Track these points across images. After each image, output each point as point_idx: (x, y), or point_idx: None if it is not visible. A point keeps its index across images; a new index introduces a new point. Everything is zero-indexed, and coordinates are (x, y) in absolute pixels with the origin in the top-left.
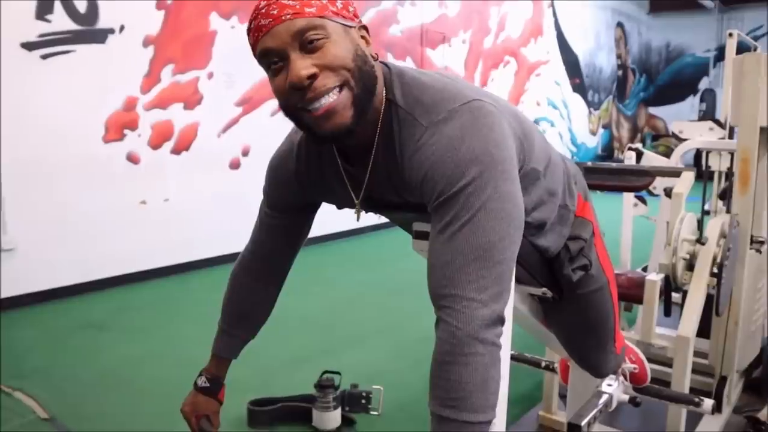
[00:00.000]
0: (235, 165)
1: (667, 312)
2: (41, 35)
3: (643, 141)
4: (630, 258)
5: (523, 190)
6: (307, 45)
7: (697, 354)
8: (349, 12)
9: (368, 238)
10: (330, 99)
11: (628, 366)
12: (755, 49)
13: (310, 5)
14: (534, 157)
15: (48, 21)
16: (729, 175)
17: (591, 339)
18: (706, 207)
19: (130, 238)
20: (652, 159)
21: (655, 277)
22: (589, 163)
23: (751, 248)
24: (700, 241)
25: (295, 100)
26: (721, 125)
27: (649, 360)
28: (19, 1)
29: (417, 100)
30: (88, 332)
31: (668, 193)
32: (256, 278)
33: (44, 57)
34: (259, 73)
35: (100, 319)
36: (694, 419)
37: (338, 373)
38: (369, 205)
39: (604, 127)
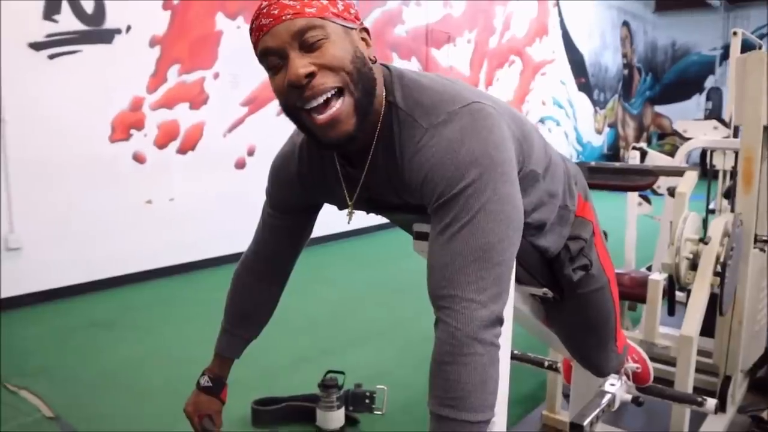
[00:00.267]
0: (240, 165)
1: (671, 311)
2: (48, 35)
3: (649, 140)
4: (634, 257)
5: (523, 192)
6: (307, 45)
7: (701, 353)
8: (350, 14)
9: (372, 238)
10: (329, 98)
11: (630, 365)
12: (760, 48)
13: (311, 6)
14: (533, 159)
15: (55, 21)
16: (733, 173)
17: (592, 338)
18: (712, 206)
19: (135, 238)
20: (656, 158)
21: (657, 277)
22: (593, 163)
23: (755, 247)
24: (703, 240)
25: (293, 98)
26: (726, 124)
27: (653, 359)
28: (26, 1)
29: (417, 102)
30: (93, 331)
31: (672, 192)
32: (259, 278)
33: (51, 57)
34: (265, 74)
35: (104, 318)
36: (698, 419)
37: (342, 372)
38: (370, 207)
39: (610, 126)
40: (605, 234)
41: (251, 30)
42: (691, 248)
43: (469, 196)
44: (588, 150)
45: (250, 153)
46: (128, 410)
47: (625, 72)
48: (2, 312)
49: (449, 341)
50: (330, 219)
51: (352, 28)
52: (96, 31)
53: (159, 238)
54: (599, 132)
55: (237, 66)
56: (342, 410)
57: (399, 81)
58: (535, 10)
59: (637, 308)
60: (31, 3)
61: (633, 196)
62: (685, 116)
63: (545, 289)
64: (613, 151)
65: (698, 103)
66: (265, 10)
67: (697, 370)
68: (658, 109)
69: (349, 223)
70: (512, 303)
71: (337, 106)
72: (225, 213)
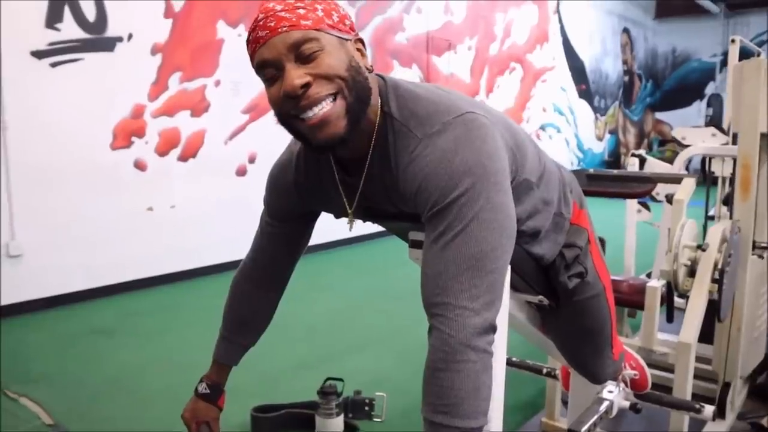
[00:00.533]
0: (241, 172)
1: (670, 318)
2: (50, 43)
3: (650, 146)
4: (634, 264)
5: (517, 200)
6: (303, 57)
7: (701, 360)
8: (345, 25)
9: (371, 246)
10: (324, 108)
11: (628, 372)
12: (758, 55)
13: (306, 18)
14: (527, 168)
15: (57, 29)
16: (732, 180)
17: (588, 345)
18: (712, 212)
19: (136, 245)
20: (654, 165)
21: (655, 284)
22: (591, 170)
23: (753, 254)
24: (701, 247)
25: (288, 107)
26: (724, 131)
27: (652, 366)
28: (29, 9)
29: (412, 112)
30: (94, 338)
31: (669, 199)
32: (257, 285)
33: (53, 65)
34: None
35: (105, 325)
36: (697, 426)
37: (341, 379)
38: (366, 215)
39: (611, 132)
40: (603, 241)
41: (248, 41)
42: (689, 255)
43: (462, 205)
44: (589, 157)
45: (251, 160)
46: (129, 417)
47: (626, 79)
48: (3, 319)
49: (442, 348)
50: (330, 227)
51: (347, 39)
52: (98, 39)
53: (160, 245)
54: (600, 139)
55: (238, 74)
56: (341, 417)
57: (394, 91)
58: (535, 17)
59: (636, 315)
60: (33, 11)
61: (632, 203)
62: (686, 123)
63: (541, 297)
64: (614, 158)
65: (699, 109)
66: (261, 23)
67: (697, 377)
68: (659, 115)
69: (350, 230)
70: (507, 310)
71: (328, 108)
72: (226, 220)
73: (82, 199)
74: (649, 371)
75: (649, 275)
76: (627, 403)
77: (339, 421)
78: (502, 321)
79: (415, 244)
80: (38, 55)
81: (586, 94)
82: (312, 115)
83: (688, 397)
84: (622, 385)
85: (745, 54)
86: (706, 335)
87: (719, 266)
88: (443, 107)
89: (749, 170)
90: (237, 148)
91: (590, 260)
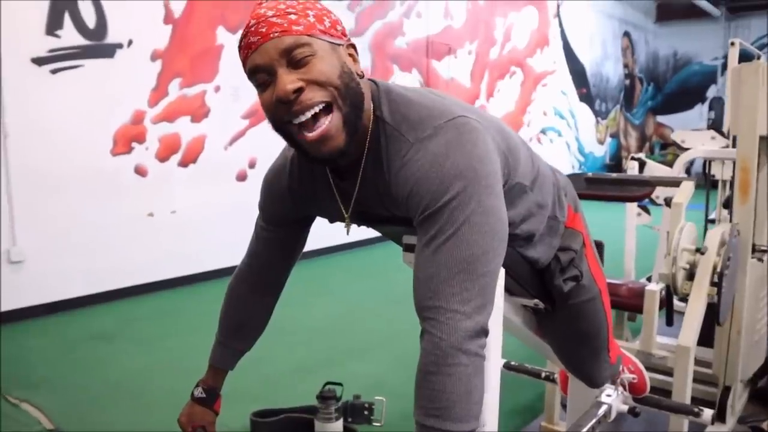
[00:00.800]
0: (242, 177)
1: (669, 322)
2: (51, 50)
3: (651, 149)
4: (634, 267)
5: (511, 204)
6: (295, 62)
7: (701, 363)
8: (337, 30)
9: (372, 250)
10: (316, 113)
11: (627, 376)
12: (758, 58)
13: (298, 23)
14: (519, 172)
15: (57, 36)
16: (732, 183)
17: (584, 349)
18: (713, 216)
19: (137, 250)
20: (654, 168)
21: (654, 287)
22: (590, 174)
23: (753, 257)
24: (700, 250)
25: (281, 113)
26: (723, 134)
27: (652, 369)
28: (29, 16)
29: (404, 117)
30: (94, 343)
31: (668, 202)
32: (253, 290)
33: (54, 72)
34: None
35: (107, 330)
36: (698, 429)
37: (340, 384)
38: (360, 219)
39: (612, 136)
40: (601, 245)
41: (240, 47)
42: (688, 258)
43: (453, 209)
44: (590, 160)
45: (252, 165)
46: (129, 422)
47: (627, 82)
48: (4, 324)
49: (434, 352)
50: (329, 232)
51: (339, 45)
52: (98, 45)
53: (161, 250)
54: (601, 142)
55: (238, 79)
56: (340, 422)
57: (386, 96)
58: (535, 21)
59: (636, 319)
60: (33, 18)
61: (632, 207)
62: (688, 126)
63: (536, 300)
64: (616, 162)
65: (701, 112)
66: (253, 28)
67: (697, 381)
68: (661, 119)
69: (348, 234)
70: (501, 313)
71: (326, 123)
72: (226, 225)
73: (83, 204)
74: (647, 375)
75: (649, 279)
76: (625, 407)
77: (338, 426)
78: (496, 324)
79: (408, 248)
80: (39, 61)
81: (586, 97)
82: (305, 120)
83: (688, 401)
84: (620, 388)
85: (745, 57)
86: (707, 338)
87: (718, 269)
88: (435, 111)
89: (748, 173)
90: (237, 153)
91: (585, 264)
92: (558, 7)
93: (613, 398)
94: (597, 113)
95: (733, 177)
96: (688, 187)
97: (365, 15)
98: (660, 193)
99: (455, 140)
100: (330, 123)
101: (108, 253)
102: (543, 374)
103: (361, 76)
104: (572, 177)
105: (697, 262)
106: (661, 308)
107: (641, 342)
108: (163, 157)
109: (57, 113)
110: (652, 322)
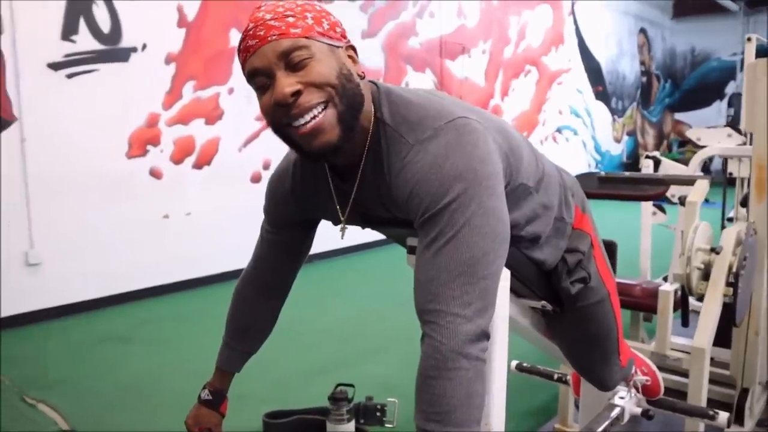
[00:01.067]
0: (256, 179)
1: (685, 322)
2: (66, 55)
3: (669, 147)
4: (649, 267)
5: (515, 205)
6: (293, 64)
7: (718, 365)
8: (336, 32)
9: (383, 252)
10: (315, 115)
11: (640, 378)
12: None
13: (296, 26)
14: (522, 172)
15: (73, 41)
16: (750, 181)
17: (594, 352)
18: (731, 214)
19: (152, 252)
20: (669, 167)
21: (668, 288)
22: (603, 173)
23: None
24: (715, 250)
25: (279, 116)
26: (740, 131)
27: (668, 371)
28: (45, 22)
29: (404, 118)
30: (111, 345)
31: (683, 201)
32: (259, 293)
33: (69, 76)
34: None
35: (122, 332)
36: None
37: (352, 385)
38: (363, 221)
39: (629, 134)
40: (615, 245)
41: (239, 51)
42: (703, 258)
43: (453, 211)
44: (607, 159)
45: (266, 167)
46: (144, 423)
47: (644, 79)
48: (22, 327)
49: (434, 356)
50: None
51: (338, 47)
52: (113, 50)
53: (176, 253)
54: (618, 141)
55: None
56: (352, 423)
57: (386, 97)
58: (550, 19)
59: (652, 319)
60: (49, 24)
61: (647, 206)
62: (706, 123)
63: (544, 302)
64: (633, 160)
65: (719, 109)
66: (251, 32)
67: (715, 382)
68: (679, 116)
69: (342, 238)
70: (507, 315)
71: (320, 117)
72: (241, 227)
73: (99, 207)
74: (661, 377)
75: (665, 279)
76: (639, 410)
77: (350, 427)
78: (503, 326)
79: (412, 250)
80: (55, 66)
81: (603, 95)
82: (304, 122)
83: (704, 403)
84: (633, 390)
85: (762, 52)
86: (724, 339)
87: (734, 269)
88: (435, 113)
89: (764, 171)
90: (251, 155)
91: (593, 265)
92: (572, 4)
93: (626, 400)
94: (613, 111)
95: (750, 175)
96: (702, 185)
97: (378, 16)
98: (675, 191)
99: (455, 141)
100: (323, 117)
101: (124, 255)
102: (555, 376)
103: (362, 77)
104: (584, 176)
105: (713, 262)
106: (676, 309)
107: (656, 343)
108: (177, 159)
109: (73, 117)
110: (666, 323)
